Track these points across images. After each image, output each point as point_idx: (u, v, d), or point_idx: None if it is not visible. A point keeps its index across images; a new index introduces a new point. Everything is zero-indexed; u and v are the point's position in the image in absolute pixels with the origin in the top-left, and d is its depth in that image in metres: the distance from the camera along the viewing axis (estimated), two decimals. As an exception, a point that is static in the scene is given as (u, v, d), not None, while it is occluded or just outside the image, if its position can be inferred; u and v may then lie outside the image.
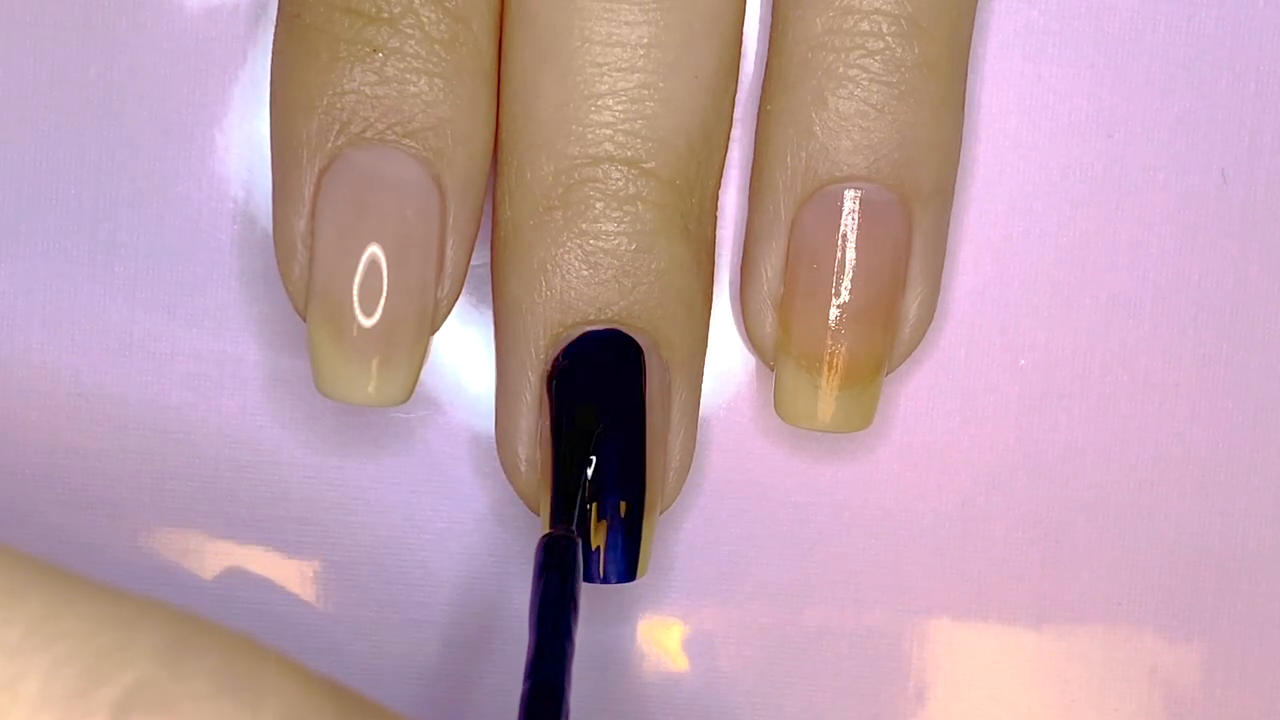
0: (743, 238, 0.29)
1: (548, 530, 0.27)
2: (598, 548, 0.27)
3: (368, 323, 0.26)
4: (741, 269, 0.28)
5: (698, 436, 0.29)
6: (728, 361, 0.30)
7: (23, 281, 0.29)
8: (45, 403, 0.29)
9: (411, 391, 0.27)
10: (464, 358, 0.29)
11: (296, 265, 0.26)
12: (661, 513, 0.28)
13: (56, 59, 0.29)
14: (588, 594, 0.27)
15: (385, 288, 0.26)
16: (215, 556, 0.29)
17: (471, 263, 0.27)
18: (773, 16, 0.28)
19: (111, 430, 0.29)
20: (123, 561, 0.29)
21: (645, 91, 0.26)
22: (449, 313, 0.27)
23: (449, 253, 0.27)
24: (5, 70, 0.29)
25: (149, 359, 0.29)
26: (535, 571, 0.25)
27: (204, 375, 0.29)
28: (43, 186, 0.29)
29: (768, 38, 0.28)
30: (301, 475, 0.29)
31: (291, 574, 0.29)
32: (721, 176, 0.28)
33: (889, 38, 0.27)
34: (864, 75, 0.27)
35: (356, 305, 0.26)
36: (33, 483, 0.29)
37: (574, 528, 0.27)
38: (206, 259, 0.29)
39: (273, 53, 0.27)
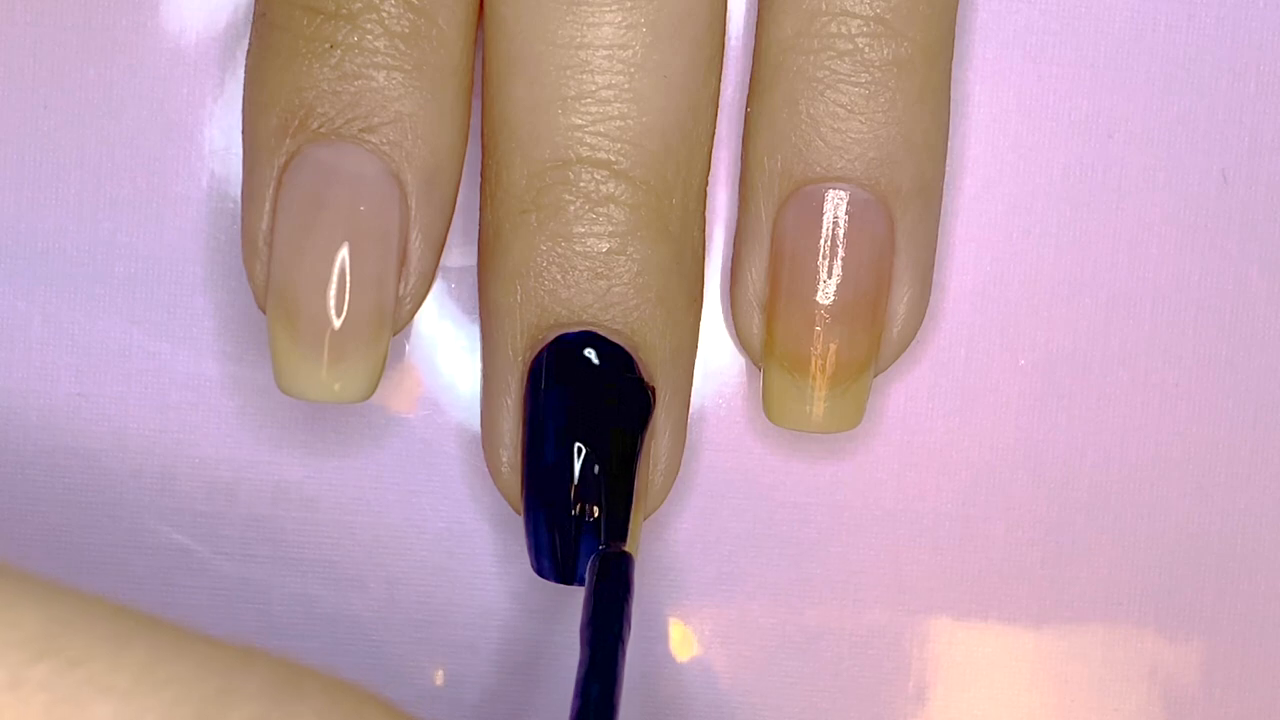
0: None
1: (603, 546, 0.27)
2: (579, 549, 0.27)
3: (324, 319, 0.26)
4: (730, 271, 0.28)
5: (699, 437, 0.29)
6: (728, 361, 0.30)
7: (23, 281, 0.29)
8: (45, 403, 0.29)
9: (372, 389, 0.26)
10: (464, 358, 0.29)
11: (258, 263, 0.26)
12: (648, 516, 0.28)
13: (56, 59, 0.29)
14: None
15: (345, 284, 0.26)
16: (215, 556, 0.29)
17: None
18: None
19: (111, 430, 0.29)
20: (123, 561, 0.29)
21: (611, 93, 0.26)
22: (415, 310, 0.27)
23: (413, 249, 0.26)
24: (5, 70, 0.29)
25: (149, 358, 0.29)
26: (588, 588, 0.25)
27: (204, 375, 0.29)
28: (43, 186, 0.29)
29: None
30: (301, 475, 0.29)
31: (291, 574, 0.29)
32: (708, 176, 0.28)
33: (858, 38, 0.26)
34: (833, 77, 0.27)
35: (313, 302, 0.26)
36: (33, 483, 0.29)
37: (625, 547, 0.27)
38: (206, 259, 0.29)
39: (246, 53, 0.27)
